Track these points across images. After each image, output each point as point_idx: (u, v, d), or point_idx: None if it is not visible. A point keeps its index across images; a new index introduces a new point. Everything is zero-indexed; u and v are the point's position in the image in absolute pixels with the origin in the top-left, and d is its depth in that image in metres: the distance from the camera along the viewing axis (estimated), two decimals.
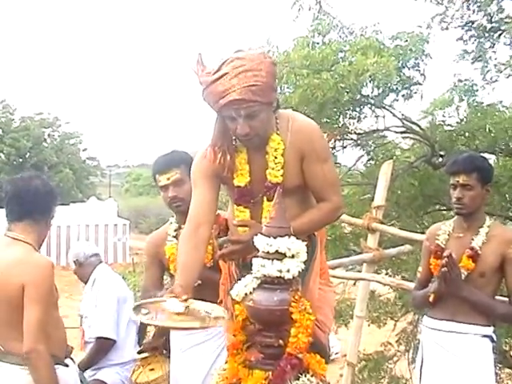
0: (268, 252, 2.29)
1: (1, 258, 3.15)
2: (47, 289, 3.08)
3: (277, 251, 2.28)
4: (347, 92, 5.75)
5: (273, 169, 2.63)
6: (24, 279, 3.02)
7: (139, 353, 3.66)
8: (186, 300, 2.41)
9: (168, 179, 3.24)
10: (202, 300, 3.23)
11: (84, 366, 4.24)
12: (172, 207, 3.31)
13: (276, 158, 2.62)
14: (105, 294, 4.42)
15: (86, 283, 4.58)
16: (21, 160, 29.28)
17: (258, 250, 2.34)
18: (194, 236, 2.63)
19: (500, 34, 7.08)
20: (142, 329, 4.52)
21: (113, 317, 4.35)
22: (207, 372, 3.09)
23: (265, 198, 2.65)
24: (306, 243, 2.60)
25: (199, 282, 3.13)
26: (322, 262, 2.87)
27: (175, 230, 3.31)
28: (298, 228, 2.51)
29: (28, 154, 29.64)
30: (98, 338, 4.33)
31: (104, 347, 4.32)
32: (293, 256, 2.29)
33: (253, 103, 2.46)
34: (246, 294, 2.32)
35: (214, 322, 2.40)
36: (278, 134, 2.63)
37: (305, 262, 2.40)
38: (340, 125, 6.27)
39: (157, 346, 3.59)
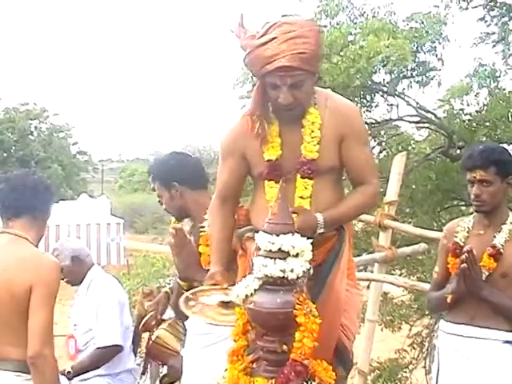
0: (270, 250, 2.28)
1: (3, 256, 3.15)
2: (55, 290, 3.13)
3: (280, 249, 2.27)
4: (358, 77, 5.75)
5: (308, 143, 2.66)
6: (32, 279, 3.04)
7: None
8: (226, 288, 2.57)
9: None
10: None
11: (77, 373, 4.22)
12: None
13: (313, 131, 2.66)
14: (106, 298, 4.40)
15: (74, 285, 4.56)
16: (5, 154, 29.31)
17: (313, 237, 2.40)
18: (222, 210, 2.84)
19: None
20: (137, 337, 4.52)
21: (118, 321, 4.35)
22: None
23: (298, 175, 2.68)
24: (334, 237, 2.63)
25: None
26: (349, 260, 2.86)
27: (189, 233, 3.35)
28: (346, 213, 2.63)
29: (13, 148, 29.68)
30: (105, 347, 4.29)
31: (110, 355, 4.30)
32: (297, 255, 2.28)
33: (300, 71, 2.51)
34: (246, 296, 2.31)
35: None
36: (315, 108, 2.68)
37: (331, 259, 2.42)
38: None
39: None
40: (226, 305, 2.54)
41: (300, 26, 2.53)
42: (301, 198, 2.70)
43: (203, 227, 3.26)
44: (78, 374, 4.24)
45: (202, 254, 3.24)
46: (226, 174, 2.86)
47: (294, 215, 2.61)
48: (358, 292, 2.92)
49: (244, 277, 2.80)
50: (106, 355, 4.29)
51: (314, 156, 2.66)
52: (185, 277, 3.24)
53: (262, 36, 2.53)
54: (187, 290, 3.25)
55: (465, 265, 3.26)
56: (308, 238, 2.35)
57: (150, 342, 3.86)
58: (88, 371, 4.29)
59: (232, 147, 2.81)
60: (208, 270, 3.13)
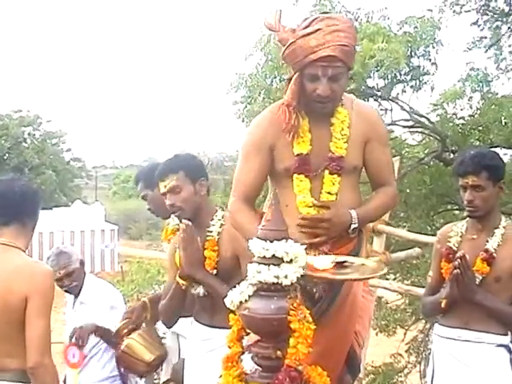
0: (264, 257, 2.28)
1: None
2: (51, 299, 3.09)
3: (274, 256, 2.27)
4: (352, 82, 5.77)
5: (338, 140, 2.73)
6: (27, 290, 3.00)
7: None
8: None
9: (165, 186, 3.29)
10: (203, 312, 3.33)
11: (103, 335, 4.25)
12: (174, 215, 3.40)
13: (342, 129, 2.74)
14: (114, 300, 4.45)
15: (70, 293, 4.55)
16: None
17: (346, 231, 2.51)
18: (247, 209, 2.83)
19: None
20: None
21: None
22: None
23: (326, 171, 2.73)
24: (355, 238, 2.70)
25: (205, 292, 3.20)
26: None
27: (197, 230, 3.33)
28: (374, 212, 2.72)
29: (7, 155, 29.63)
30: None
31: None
32: (291, 261, 2.29)
33: (341, 63, 2.60)
34: (240, 302, 2.32)
35: (370, 271, 2.51)
36: (344, 108, 2.77)
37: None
38: None
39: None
40: (341, 265, 2.53)
41: (342, 21, 2.66)
42: (328, 193, 2.75)
43: (210, 232, 3.28)
44: (102, 337, 4.27)
45: (207, 258, 3.24)
46: (254, 172, 2.83)
47: (323, 210, 2.69)
48: (371, 299, 2.99)
49: None
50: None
51: (343, 153, 2.73)
52: (186, 274, 3.22)
53: (305, 28, 2.61)
54: (186, 289, 3.28)
55: (457, 271, 3.28)
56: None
57: (119, 350, 3.85)
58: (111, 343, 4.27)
59: (262, 141, 2.82)
60: (212, 274, 3.19)
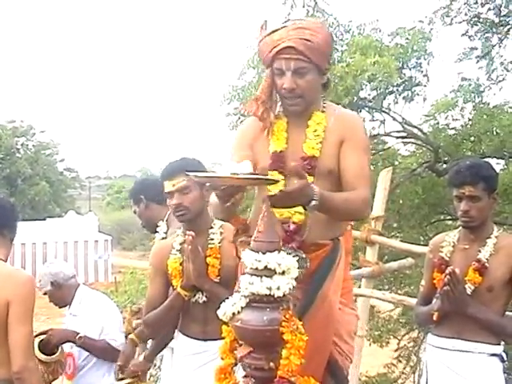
0: (257, 268, 2.29)
1: None
2: (32, 304, 3.14)
3: (266, 267, 2.28)
4: (345, 95, 5.80)
5: (311, 140, 2.73)
6: (8, 296, 3.06)
7: (119, 380, 3.67)
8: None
9: (173, 185, 3.30)
10: (194, 324, 3.31)
11: (85, 345, 4.25)
12: (176, 216, 3.38)
13: (316, 131, 2.73)
14: (108, 310, 4.45)
15: (60, 307, 4.57)
16: None
17: (308, 202, 2.43)
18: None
19: (509, 29, 7.12)
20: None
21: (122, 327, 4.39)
22: None
23: None
24: (327, 245, 2.64)
25: (204, 298, 3.19)
26: (345, 279, 2.84)
27: (180, 244, 3.34)
28: (338, 202, 2.58)
29: (0, 165, 29.54)
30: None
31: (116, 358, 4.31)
32: (283, 272, 2.29)
33: (303, 57, 2.62)
34: (233, 314, 2.32)
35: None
36: (323, 112, 2.77)
37: (324, 269, 2.41)
38: None
39: (139, 371, 3.60)
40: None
41: (311, 22, 2.72)
42: None
43: (212, 239, 3.29)
44: (84, 348, 4.28)
45: (211, 266, 3.25)
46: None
47: (281, 210, 2.64)
48: (351, 312, 2.89)
49: None
50: (114, 354, 4.23)
51: (315, 153, 2.71)
52: (193, 286, 3.23)
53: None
54: (187, 301, 3.27)
55: (447, 287, 3.29)
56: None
57: None
58: (92, 354, 4.31)
59: (241, 141, 2.87)
60: (215, 282, 3.21)
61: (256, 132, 2.83)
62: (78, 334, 4.27)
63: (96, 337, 4.32)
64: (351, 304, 2.89)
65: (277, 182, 2.47)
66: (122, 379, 3.67)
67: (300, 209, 2.61)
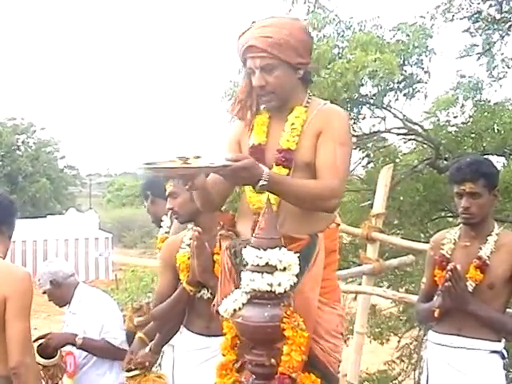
0: (258, 265, 2.30)
1: None
2: (30, 300, 3.15)
3: (267, 264, 2.29)
4: (345, 91, 5.78)
5: (287, 133, 2.73)
6: (6, 292, 3.07)
7: (127, 371, 3.68)
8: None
9: (165, 190, 3.44)
10: (199, 320, 3.32)
11: (84, 347, 4.28)
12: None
13: (293, 124, 2.74)
14: (107, 308, 4.46)
15: (59, 306, 4.58)
16: None
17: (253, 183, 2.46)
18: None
19: (510, 26, 7.12)
20: (128, 343, 4.52)
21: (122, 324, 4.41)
22: None
23: (274, 164, 2.72)
24: (302, 240, 2.61)
25: (209, 294, 3.23)
26: (327, 278, 2.75)
27: (190, 238, 3.35)
28: (294, 187, 2.58)
29: (0, 163, 29.53)
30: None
31: (118, 355, 4.27)
32: (284, 269, 2.30)
33: (266, 54, 2.66)
34: (234, 310, 2.33)
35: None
36: (304, 107, 2.77)
37: (299, 265, 2.41)
38: None
39: (146, 362, 3.61)
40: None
41: (278, 19, 2.74)
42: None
43: (222, 235, 3.30)
44: (83, 349, 4.30)
45: (217, 263, 3.23)
46: None
47: (258, 197, 2.68)
48: (332, 311, 2.75)
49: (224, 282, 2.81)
50: (114, 352, 4.31)
51: (291, 146, 2.71)
52: (198, 281, 3.23)
53: None
54: (194, 295, 3.29)
55: (449, 283, 3.29)
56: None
57: None
58: (92, 354, 4.34)
59: (231, 137, 2.93)
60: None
61: (242, 128, 2.89)
62: (76, 335, 4.28)
63: (96, 335, 4.33)
64: (333, 303, 2.76)
65: (227, 166, 2.46)
66: (129, 370, 3.67)
67: (294, 136, 2.70)
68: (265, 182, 2.48)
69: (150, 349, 3.70)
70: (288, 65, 2.70)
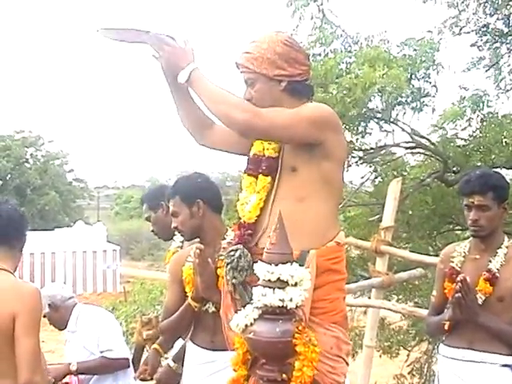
0: (269, 280, 2.30)
1: None
2: (39, 317, 3.15)
3: (279, 279, 2.29)
4: (354, 106, 5.79)
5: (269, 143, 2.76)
6: (15, 308, 3.05)
7: (141, 380, 3.70)
8: None
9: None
10: (203, 333, 3.33)
11: (81, 371, 4.29)
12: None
13: None
14: (104, 322, 4.48)
15: (59, 329, 4.59)
16: (1, 182, 29.25)
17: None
18: None
19: None
20: (137, 356, 4.52)
21: (123, 337, 4.45)
22: None
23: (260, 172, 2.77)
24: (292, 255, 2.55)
25: (214, 308, 3.20)
26: (321, 299, 2.62)
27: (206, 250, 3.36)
28: (206, 81, 2.68)
29: (9, 175, 29.64)
30: (114, 359, 4.34)
31: (117, 367, 4.33)
32: (296, 284, 2.30)
33: (245, 69, 2.74)
34: (246, 326, 2.33)
35: None
36: None
37: None
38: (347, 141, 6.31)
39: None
40: None
41: (263, 35, 2.78)
42: (258, 193, 2.74)
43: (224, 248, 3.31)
44: (82, 373, 4.31)
45: (221, 277, 3.18)
46: None
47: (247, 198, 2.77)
48: (326, 332, 2.61)
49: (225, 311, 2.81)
50: (113, 365, 4.33)
51: (271, 154, 2.74)
52: (202, 297, 3.25)
53: None
54: (199, 311, 3.30)
55: (459, 294, 3.29)
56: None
57: None
58: (91, 374, 4.35)
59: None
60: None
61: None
62: (70, 364, 4.31)
63: (95, 348, 4.36)
64: (328, 324, 2.62)
65: (173, 38, 2.70)
66: (143, 380, 3.69)
67: (273, 144, 2.73)
68: (194, 67, 2.68)
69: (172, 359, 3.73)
70: (266, 77, 2.72)
